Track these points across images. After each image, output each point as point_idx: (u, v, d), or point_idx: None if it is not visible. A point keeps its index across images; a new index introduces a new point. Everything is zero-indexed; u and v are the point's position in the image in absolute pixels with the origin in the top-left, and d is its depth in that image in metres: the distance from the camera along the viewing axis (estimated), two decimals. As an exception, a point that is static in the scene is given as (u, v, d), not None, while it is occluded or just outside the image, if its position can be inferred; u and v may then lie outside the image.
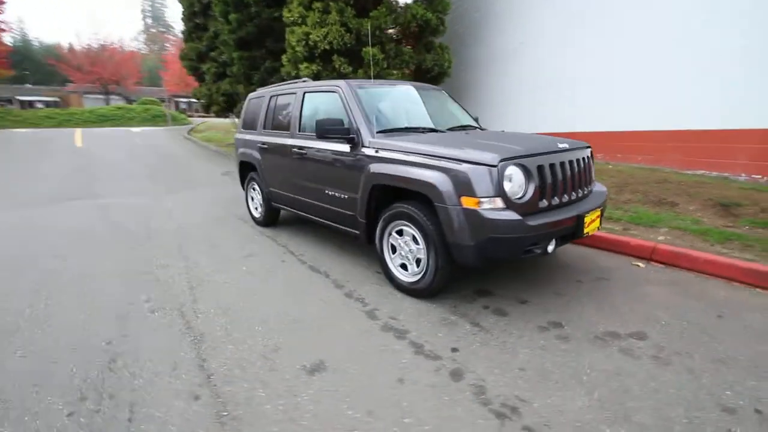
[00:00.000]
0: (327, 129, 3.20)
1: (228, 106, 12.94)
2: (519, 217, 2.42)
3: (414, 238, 2.87)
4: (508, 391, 1.98)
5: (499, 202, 2.44)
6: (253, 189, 5.04)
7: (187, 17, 14.29)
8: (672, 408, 1.84)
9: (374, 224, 3.19)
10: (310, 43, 8.34)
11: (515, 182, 2.50)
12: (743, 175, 5.21)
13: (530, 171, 2.56)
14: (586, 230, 2.80)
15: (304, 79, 4.35)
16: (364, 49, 8.23)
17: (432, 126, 3.51)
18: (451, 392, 1.97)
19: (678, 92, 5.70)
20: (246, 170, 5.15)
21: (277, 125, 4.34)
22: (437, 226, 2.65)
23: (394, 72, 8.48)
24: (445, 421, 1.79)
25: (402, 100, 3.81)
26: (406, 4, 8.21)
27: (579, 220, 2.70)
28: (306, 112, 3.94)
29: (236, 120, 14.90)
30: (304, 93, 3.96)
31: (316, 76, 8.70)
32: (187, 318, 2.74)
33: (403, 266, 3.03)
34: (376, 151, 3.03)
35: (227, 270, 3.59)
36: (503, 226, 2.41)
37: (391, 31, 8.28)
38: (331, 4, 8.43)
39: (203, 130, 20.87)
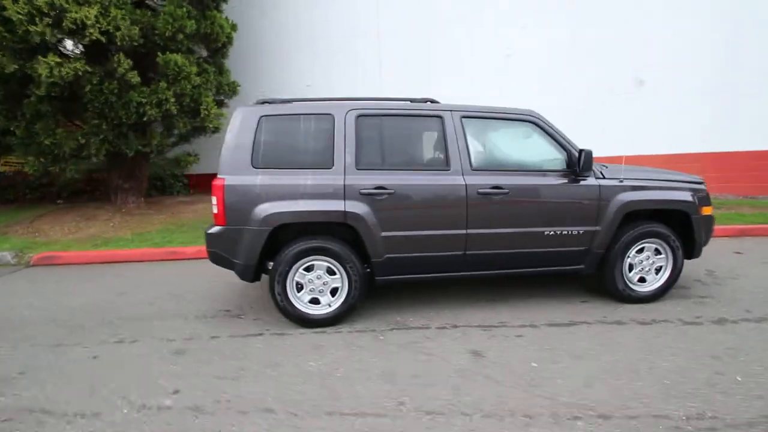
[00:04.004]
0: (590, 161, 2.96)
1: None
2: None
3: (656, 251, 3.32)
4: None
5: (708, 208, 3.52)
6: (308, 270, 2.89)
7: None
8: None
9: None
10: (69, 25, 4.80)
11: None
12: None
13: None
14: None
15: (427, 99, 3.12)
16: (165, 54, 5.73)
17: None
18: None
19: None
20: (279, 239, 2.87)
21: (403, 159, 2.96)
22: (678, 235, 3.33)
23: (209, 94, 6.44)
24: None
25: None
26: (212, 13, 6.38)
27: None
28: (474, 142, 3.05)
29: None
30: (462, 117, 3.03)
31: (76, 81, 5.04)
32: None
33: (641, 280, 3.35)
34: (621, 181, 3.18)
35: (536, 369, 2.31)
36: (714, 222, 3.53)
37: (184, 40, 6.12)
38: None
39: None
